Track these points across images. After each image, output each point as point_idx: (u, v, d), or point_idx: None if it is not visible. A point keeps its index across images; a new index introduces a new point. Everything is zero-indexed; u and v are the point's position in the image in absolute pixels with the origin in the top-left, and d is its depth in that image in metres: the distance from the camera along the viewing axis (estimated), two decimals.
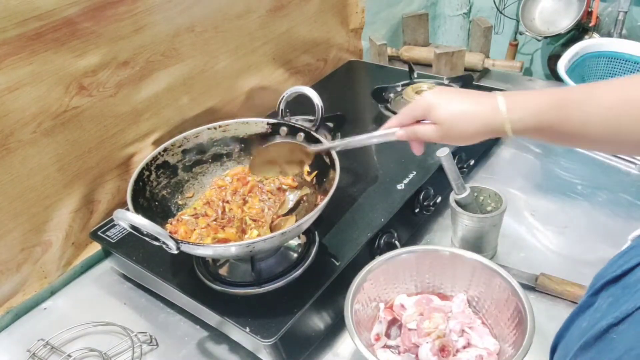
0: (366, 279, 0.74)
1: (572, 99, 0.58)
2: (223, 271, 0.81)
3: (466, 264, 0.75)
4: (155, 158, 0.84)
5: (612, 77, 1.22)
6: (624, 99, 0.55)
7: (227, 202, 0.84)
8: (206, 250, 0.72)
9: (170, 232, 0.67)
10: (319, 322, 0.77)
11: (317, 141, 0.84)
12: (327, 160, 0.81)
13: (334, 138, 1.07)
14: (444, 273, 0.77)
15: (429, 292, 0.78)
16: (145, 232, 0.66)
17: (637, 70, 1.18)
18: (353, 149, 1.05)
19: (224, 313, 0.74)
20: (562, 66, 1.13)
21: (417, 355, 0.69)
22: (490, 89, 1.17)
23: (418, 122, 0.67)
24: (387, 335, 0.73)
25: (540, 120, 0.59)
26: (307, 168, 0.88)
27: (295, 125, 0.89)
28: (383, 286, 0.77)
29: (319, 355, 0.78)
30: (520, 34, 2.02)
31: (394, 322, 0.73)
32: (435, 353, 0.67)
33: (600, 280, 0.48)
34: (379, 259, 0.76)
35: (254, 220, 0.82)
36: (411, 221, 0.93)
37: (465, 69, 1.45)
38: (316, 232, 0.84)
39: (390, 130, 0.70)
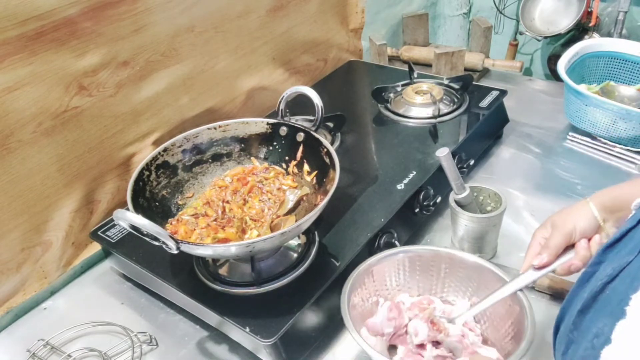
0: (366, 273, 0.73)
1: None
2: (223, 271, 0.81)
3: (470, 269, 0.74)
4: (155, 158, 0.84)
5: (612, 77, 1.22)
6: None
7: (227, 202, 0.84)
8: (206, 250, 0.72)
9: (170, 232, 0.67)
10: (318, 322, 0.77)
11: (317, 141, 0.84)
12: (327, 160, 0.81)
13: (333, 138, 1.07)
14: (447, 276, 0.77)
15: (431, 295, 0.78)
16: (145, 232, 0.66)
17: (637, 70, 1.18)
18: (355, 151, 1.06)
19: (224, 313, 0.74)
20: (562, 66, 1.13)
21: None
22: (490, 89, 1.17)
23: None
24: None
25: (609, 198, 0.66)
26: (307, 168, 0.88)
27: (295, 125, 0.89)
28: (383, 283, 0.77)
29: (319, 355, 0.78)
30: (520, 34, 2.02)
31: None
32: (426, 321, 0.66)
33: (601, 250, 0.49)
34: (378, 255, 0.76)
35: (254, 220, 0.82)
36: (411, 221, 0.93)
37: (465, 69, 1.45)
38: (316, 232, 0.84)
39: (529, 272, 0.67)
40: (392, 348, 0.73)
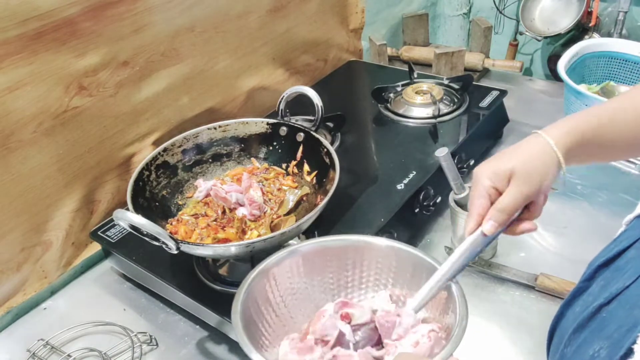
0: (265, 278, 0.62)
1: (601, 111, 0.59)
2: (223, 271, 0.81)
3: (382, 256, 0.62)
4: (155, 158, 0.84)
5: (612, 77, 1.22)
6: None
7: None
8: (206, 250, 0.72)
9: (170, 232, 0.67)
10: None
11: (317, 141, 0.84)
12: (327, 160, 0.81)
13: (333, 138, 1.07)
14: (360, 268, 0.64)
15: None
16: (145, 232, 0.66)
17: (637, 71, 1.18)
18: (355, 151, 1.06)
19: (224, 313, 0.74)
20: (562, 66, 1.12)
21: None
22: (490, 89, 1.17)
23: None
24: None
25: (576, 137, 0.58)
26: (307, 168, 0.88)
27: (295, 125, 0.89)
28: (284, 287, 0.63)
29: None
30: (520, 34, 2.02)
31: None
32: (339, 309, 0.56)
33: (593, 266, 0.49)
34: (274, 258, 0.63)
35: (254, 221, 0.82)
36: (411, 221, 0.93)
37: (465, 69, 1.45)
38: (316, 232, 0.84)
39: (475, 235, 0.57)
40: None
